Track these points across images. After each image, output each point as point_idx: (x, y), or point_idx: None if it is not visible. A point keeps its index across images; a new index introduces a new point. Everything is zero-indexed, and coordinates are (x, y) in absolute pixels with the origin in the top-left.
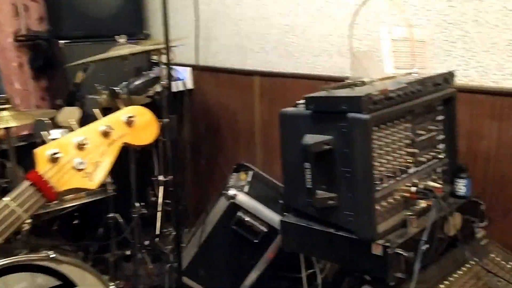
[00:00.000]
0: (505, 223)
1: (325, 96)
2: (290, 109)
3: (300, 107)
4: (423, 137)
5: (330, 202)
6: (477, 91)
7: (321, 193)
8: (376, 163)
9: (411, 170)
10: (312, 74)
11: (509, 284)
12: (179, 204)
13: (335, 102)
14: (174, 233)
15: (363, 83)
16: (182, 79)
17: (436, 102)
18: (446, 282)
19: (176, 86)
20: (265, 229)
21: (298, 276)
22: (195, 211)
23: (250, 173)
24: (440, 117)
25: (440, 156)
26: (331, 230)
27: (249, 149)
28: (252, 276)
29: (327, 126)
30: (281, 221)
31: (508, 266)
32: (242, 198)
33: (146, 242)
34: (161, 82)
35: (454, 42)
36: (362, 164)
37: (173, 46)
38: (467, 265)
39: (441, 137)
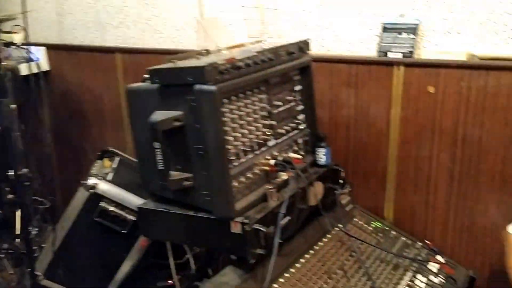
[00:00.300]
0: (367, 187)
1: (169, 67)
2: (136, 85)
3: (148, 82)
4: (280, 108)
5: (186, 183)
6: (334, 60)
7: (175, 174)
8: (230, 138)
9: (271, 143)
10: (176, 49)
11: (370, 245)
12: (37, 200)
13: (180, 74)
14: (34, 232)
15: (208, 52)
16: (36, 60)
17: (291, 72)
18: (311, 252)
19: (29, 68)
20: (133, 218)
21: (178, 262)
22: (66, 205)
23: (116, 159)
24: (298, 87)
25: (300, 127)
26: (191, 213)
27: (117, 132)
28: (125, 268)
29: (176, 101)
30: (138, 208)
31: (370, 228)
32: (104, 187)
33: (5, 245)
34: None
35: (311, 12)
36: (214, 140)
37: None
38: (332, 232)
39: (300, 107)
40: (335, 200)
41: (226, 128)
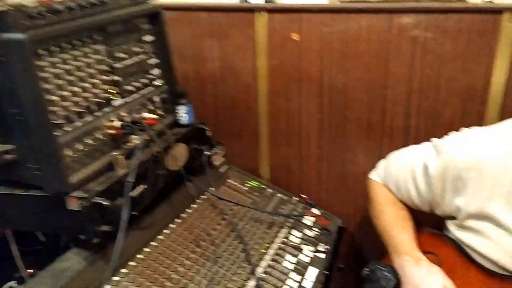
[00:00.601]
0: (241, 145)
1: None
2: None
3: None
4: (126, 62)
5: (8, 156)
6: (193, 8)
7: None
8: (55, 98)
9: (117, 102)
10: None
11: (243, 206)
12: None
13: None
14: None
15: None
16: None
17: (136, 19)
18: (178, 220)
19: None
20: None
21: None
22: None
23: None
24: (148, 38)
25: (156, 83)
26: (20, 192)
27: None
28: None
29: None
30: None
31: (245, 188)
32: None
33: None
34: None
35: None
36: (33, 101)
37: None
38: (203, 196)
39: (154, 61)
40: (206, 161)
41: (48, 86)
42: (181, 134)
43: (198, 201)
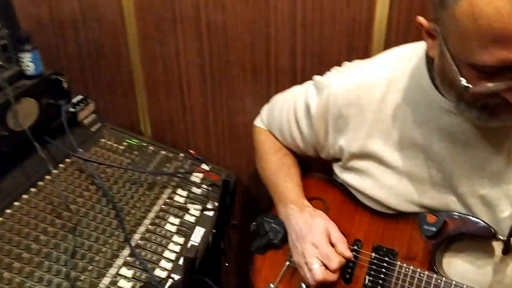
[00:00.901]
0: (115, 100)
1: None
2: None
3: None
4: None
5: None
6: None
7: None
8: None
9: None
10: None
11: (119, 168)
12: None
13: None
14: None
15: None
16: None
17: None
18: (33, 190)
19: None
20: None
21: None
22: None
23: None
24: None
25: None
26: None
27: None
28: None
29: None
30: None
31: (121, 147)
32: None
33: None
34: None
35: None
36: None
37: None
38: (67, 160)
39: None
40: (66, 119)
41: None
42: (26, 87)
43: (61, 165)
